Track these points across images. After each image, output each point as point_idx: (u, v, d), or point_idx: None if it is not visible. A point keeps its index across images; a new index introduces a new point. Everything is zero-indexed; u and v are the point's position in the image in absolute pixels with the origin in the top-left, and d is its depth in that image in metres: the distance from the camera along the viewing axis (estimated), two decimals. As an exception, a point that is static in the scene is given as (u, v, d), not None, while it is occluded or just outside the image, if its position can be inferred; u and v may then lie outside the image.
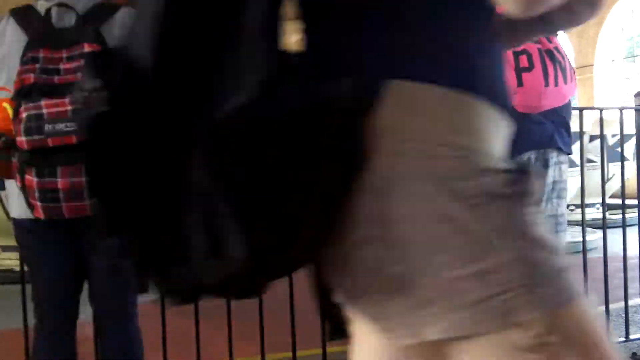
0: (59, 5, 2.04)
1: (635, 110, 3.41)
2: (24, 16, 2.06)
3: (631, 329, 3.40)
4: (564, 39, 14.21)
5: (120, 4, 2.10)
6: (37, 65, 1.91)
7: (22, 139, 1.85)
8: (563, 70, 2.47)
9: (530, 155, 2.46)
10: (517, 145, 2.43)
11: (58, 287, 2.12)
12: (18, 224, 2.09)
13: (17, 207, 2.03)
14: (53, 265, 2.10)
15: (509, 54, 2.43)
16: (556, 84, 2.43)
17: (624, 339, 3.36)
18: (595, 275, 3.29)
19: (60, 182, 1.86)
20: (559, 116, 2.54)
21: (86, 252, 2.10)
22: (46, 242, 2.09)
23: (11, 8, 2.10)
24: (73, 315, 2.16)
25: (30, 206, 1.92)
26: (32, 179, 1.87)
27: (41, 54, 1.93)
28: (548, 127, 2.50)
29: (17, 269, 2.67)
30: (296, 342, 2.90)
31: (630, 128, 3.76)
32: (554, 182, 2.54)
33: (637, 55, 14.10)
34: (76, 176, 1.86)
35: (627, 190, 3.86)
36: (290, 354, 2.93)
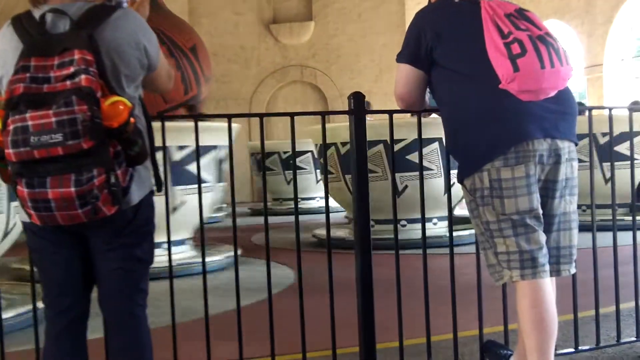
0: (52, 11, 2.02)
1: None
2: (21, 23, 2.04)
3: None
4: (573, 39, 14.14)
5: (114, 7, 2.08)
6: (27, 75, 1.88)
7: (9, 152, 1.83)
8: (557, 52, 2.44)
9: (543, 152, 2.44)
10: (528, 131, 2.42)
11: (67, 288, 2.13)
12: (26, 227, 2.11)
13: (23, 211, 2.04)
14: (61, 267, 2.11)
15: (500, 45, 2.42)
16: (552, 66, 2.40)
17: (635, 339, 3.35)
18: (603, 275, 3.28)
19: (51, 193, 1.83)
20: (566, 106, 2.51)
21: (93, 254, 2.11)
22: (53, 245, 2.09)
23: (13, 15, 2.09)
24: (83, 316, 2.17)
25: (27, 214, 1.92)
26: (23, 189, 1.86)
27: (32, 62, 1.90)
28: (556, 116, 2.47)
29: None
30: (306, 343, 2.90)
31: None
32: (566, 179, 2.53)
33: (646, 54, 14.04)
34: (65, 186, 1.83)
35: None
36: (300, 356, 2.93)
